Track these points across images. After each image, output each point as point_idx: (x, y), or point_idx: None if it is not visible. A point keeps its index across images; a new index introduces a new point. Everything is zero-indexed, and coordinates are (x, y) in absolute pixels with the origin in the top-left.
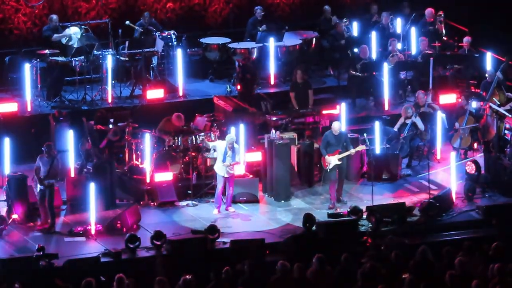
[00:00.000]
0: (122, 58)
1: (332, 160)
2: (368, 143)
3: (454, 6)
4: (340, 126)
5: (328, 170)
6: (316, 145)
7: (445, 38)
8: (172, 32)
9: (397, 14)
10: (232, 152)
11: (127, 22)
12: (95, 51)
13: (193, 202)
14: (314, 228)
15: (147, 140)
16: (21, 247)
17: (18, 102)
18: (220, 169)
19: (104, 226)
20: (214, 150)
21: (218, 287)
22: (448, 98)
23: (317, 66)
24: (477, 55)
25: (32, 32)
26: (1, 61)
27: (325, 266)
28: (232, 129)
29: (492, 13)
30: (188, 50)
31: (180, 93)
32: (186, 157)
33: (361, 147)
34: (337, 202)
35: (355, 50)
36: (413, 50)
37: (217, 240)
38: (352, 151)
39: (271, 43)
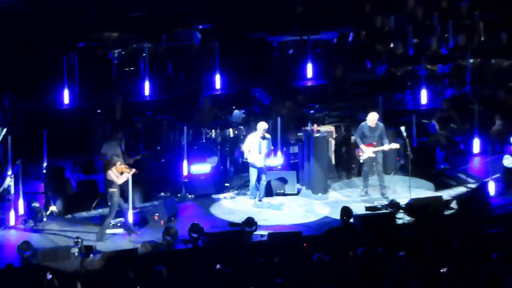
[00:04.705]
0: (159, 51)
1: (366, 152)
2: (405, 135)
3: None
4: (377, 117)
5: (361, 161)
6: (353, 138)
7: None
8: (209, 25)
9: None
10: (267, 141)
11: None
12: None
13: (231, 194)
14: (351, 221)
15: (184, 133)
16: (59, 239)
17: (55, 95)
18: (255, 160)
19: (142, 219)
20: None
21: None
22: None
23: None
24: None
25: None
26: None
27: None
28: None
29: None
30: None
31: (217, 86)
32: (224, 150)
33: (394, 145)
34: (381, 195)
35: (392, 45)
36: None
37: (255, 233)
38: (386, 147)
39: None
